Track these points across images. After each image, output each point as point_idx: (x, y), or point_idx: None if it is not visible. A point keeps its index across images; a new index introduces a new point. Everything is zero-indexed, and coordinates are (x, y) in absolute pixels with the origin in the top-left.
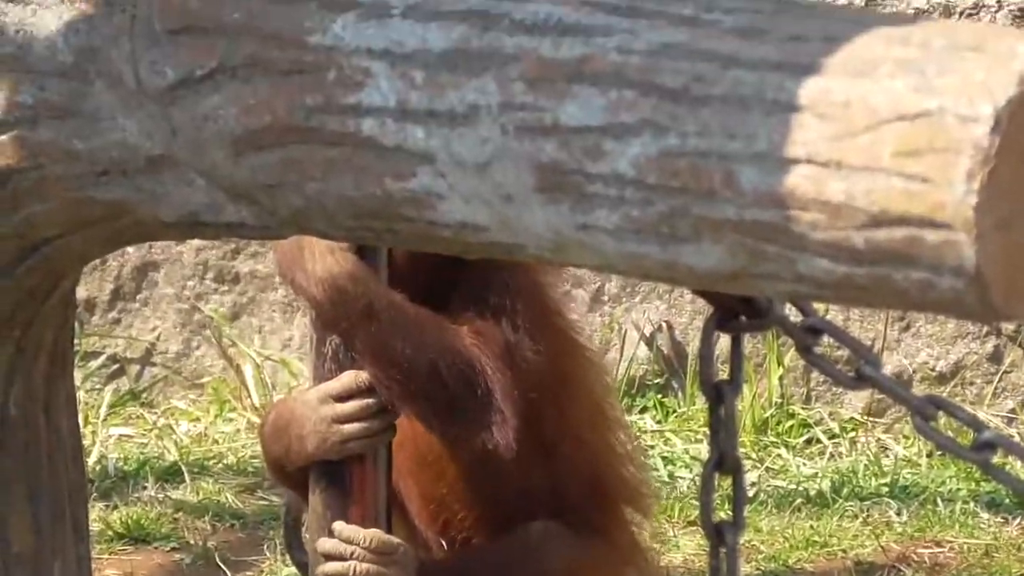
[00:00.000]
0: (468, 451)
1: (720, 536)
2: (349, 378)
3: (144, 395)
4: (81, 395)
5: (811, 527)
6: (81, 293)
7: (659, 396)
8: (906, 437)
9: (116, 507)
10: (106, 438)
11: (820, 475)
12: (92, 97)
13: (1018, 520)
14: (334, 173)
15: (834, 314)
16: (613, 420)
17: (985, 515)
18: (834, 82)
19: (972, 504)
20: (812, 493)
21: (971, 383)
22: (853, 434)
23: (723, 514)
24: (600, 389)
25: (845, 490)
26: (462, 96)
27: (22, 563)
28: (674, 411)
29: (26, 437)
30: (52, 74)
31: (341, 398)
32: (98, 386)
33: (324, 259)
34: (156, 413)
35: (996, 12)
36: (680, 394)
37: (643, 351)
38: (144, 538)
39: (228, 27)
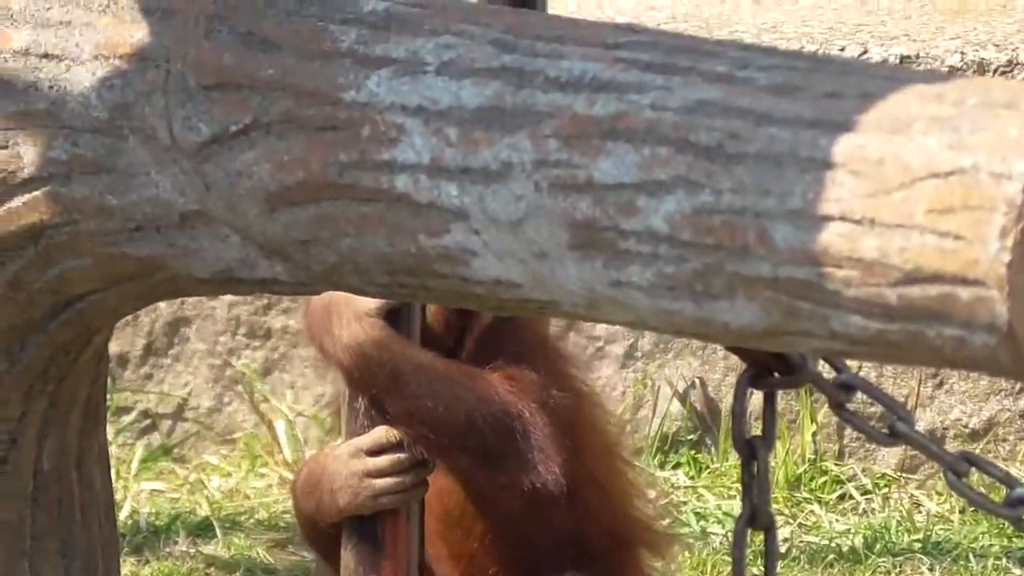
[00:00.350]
0: (515, 495)
1: None
2: (380, 432)
3: (176, 450)
4: (113, 450)
5: None
6: (113, 348)
7: (692, 452)
8: (939, 493)
9: (148, 562)
10: (138, 493)
11: (853, 531)
12: (126, 153)
13: None
14: (368, 229)
15: (867, 371)
16: (626, 464)
17: (1017, 571)
18: (868, 139)
19: (1005, 560)
20: (845, 549)
21: (1004, 440)
22: (886, 490)
23: (755, 570)
24: (611, 434)
25: (878, 546)
26: (496, 153)
27: None
28: (707, 467)
29: (59, 491)
30: (86, 130)
31: (373, 452)
32: (130, 441)
33: (351, 325)
34: (188, 468)
35: None
36: (713, 450)
37: (676, 407)
38: None
39: (262, 83)
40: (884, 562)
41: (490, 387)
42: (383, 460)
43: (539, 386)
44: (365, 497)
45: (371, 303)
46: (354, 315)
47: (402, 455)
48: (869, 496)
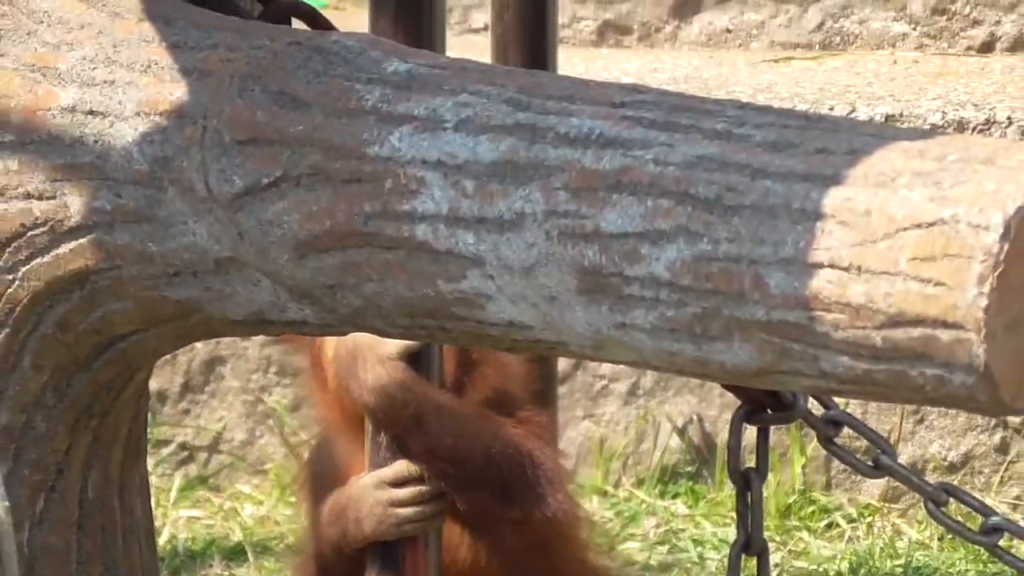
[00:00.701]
0: (531, 525)
1: None
2: (402, 465)
3: (211, 480)
4: (153, 480)
5: None
6: (153, 385)
7: (690, 483)
8: (919, 522)
9: None
10: (176, 519)
11: (839, 557)
12: (165, 203)
13: None
14: (390, 275)
15: (853, 407)
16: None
17: None
18: (856, 192)
19: None
20: (832, 574)
21: (980, 472)
22: (870, 519)
23: None
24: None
25: (862, 571)
26: (510, 204)
27: None
28: (704, 497)
29: (103, 519)
30: (128, 182)
31: (395, 484)
32: (169, 471)
33: (375, 369)
34: (222, 497)
35: (1006, 128)
36: (710, 481)
37: (675, 441)
38: None
39: (292, 139)
40: None
41: (504, 427)
42: (406, 492)
43: (549, 428)
44: (389, 524)
45: (393, 348)
46: (378, 359)
47: (423, 487)
48: (854, 524)
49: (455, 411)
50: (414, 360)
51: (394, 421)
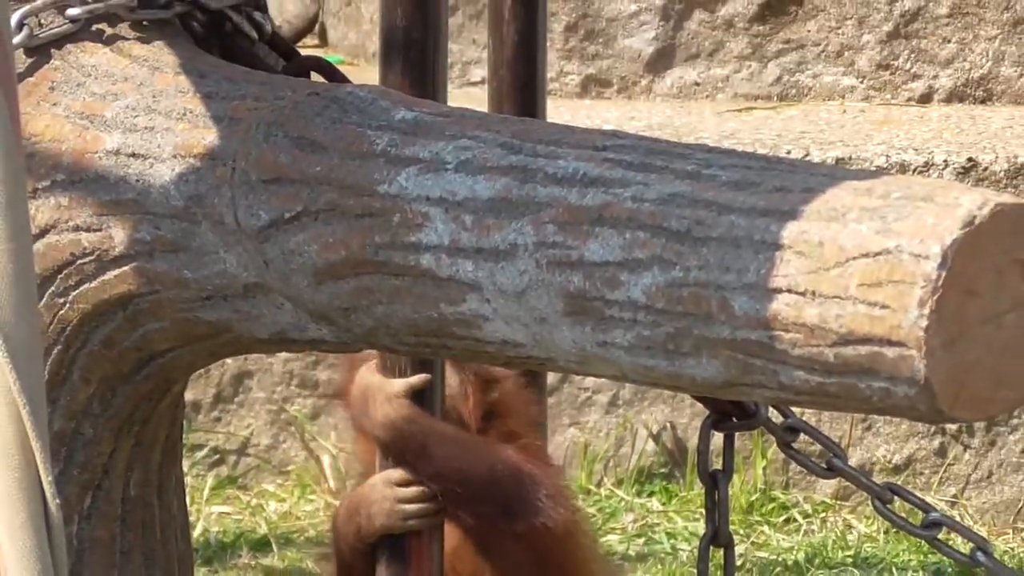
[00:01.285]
0: (534, 538)
1: None
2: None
3: (240, 480)
4: (188, 480)
5: None
6: (188, 396)
7: (664, 483)
8: (867, 517)
9: (217, 572)
10: (208, 515)
11: (796, 548)
12: (199, 235)
13: None
14: (398, 299)
15: (809, 416)
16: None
17: None
18: (811, 226)
19: (922, 573)
20: (790, 563)
21: (921, 473)
22: (824, 515)
23: None
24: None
25: (817, 560)
26: (504, 236)
27: None
28: (677, 495)
29: (143, 515)
30: (166, 216)
31: (402, 484)
32: (202, 472)
33: (384, 406)
34: (250, 495)
35: (943, 169)
36: (682, 481)
37: (651, 446)
38: None
39: (311, 178)
40: (822, 574)
41: (504, 450)
42: (411, 490)
43: (543, 452)
44: (396, 518)
45: (399, 387)
46: (385, 398)
47: (426, 488)
48: (810, 519)
49: (457, 438)
50: (418, 396)
51: (403, 451)
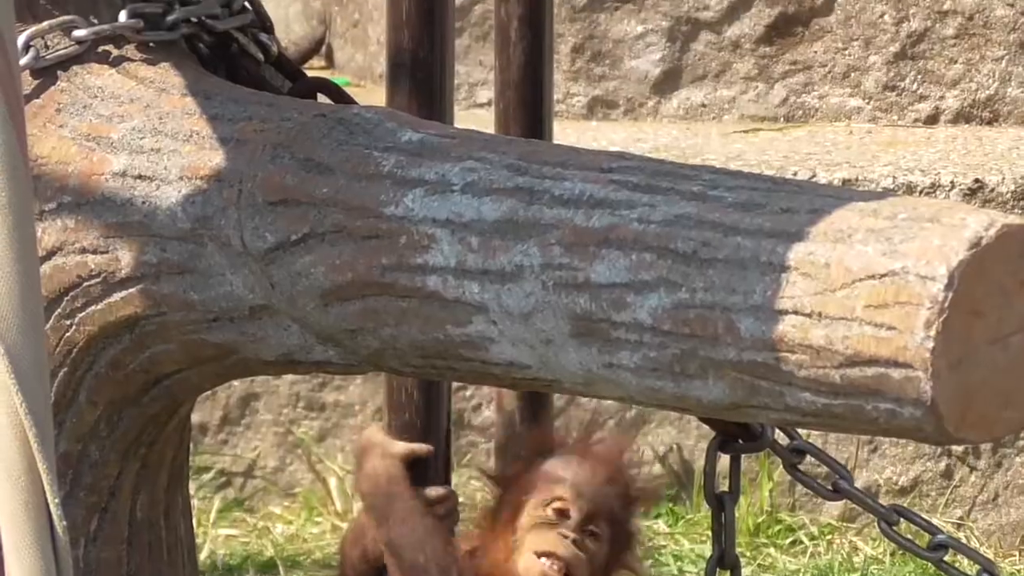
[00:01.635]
0: None
1: None
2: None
3: (247, 502)
4: (195, 502)
5: None
6: (195, 418)
7: (671, 505)
8: (873, 539)
9: None
10: (215, 537)
11: (802, 571)
12: (205, 257)
13: None
14: (405, 321)
15: (815, 438)
16: None
17: None
18: (817, 247)
19: None
20: None
21: (927, 495)
22: (830, 536)
23: None
24: None
25: None
26: (510, 258)
27: None
28: (683, 517)
29: (150, 536)
30: (173, 238)
31: None
32: (209, 495)
33: (376, 460)
34: (256, 517)
35: (949, 191)
36: (688, 503)
37: (657, 468)
38: None
39: (318, 200)
40: None
41: (442, 541)
42: None
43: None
44: None
45: (399, 448)
46: (382, 453)
47: (438, 508)
48: (816, 541)
49: (416, 520)
50: (415, 464)
51: (371, 506)
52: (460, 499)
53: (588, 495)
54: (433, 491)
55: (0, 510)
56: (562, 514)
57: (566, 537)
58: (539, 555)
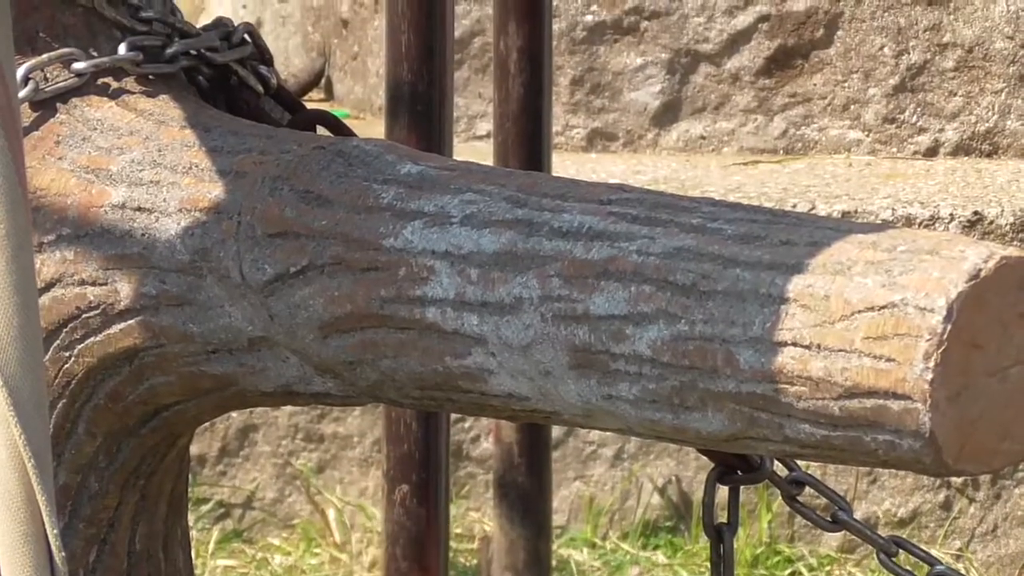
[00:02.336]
0: None
1: None
2: None
3: (245, 533)
4: (194, 533)
5: None
6: (194, 450)
7: (670, 536)
8: (872, 571)
9: None
10: (214, 568)
11: None
12: (204, 289)
13: None
14: (403, 352)
15: (814, 469)
16: None
17: None
18: (816, 279)
19: None
20: None
21: (926, 527)
22: (829, 568)
23: None
24: None
25: None
26: (509, 290)
27: None
28: (682, 548)
29: (149, 568)
30: (171, 270)
31: None
32: (208, 526)
33: None
34: (255, 548)
35: (948, 223)
36: (687, 534)
37: (656, 499)
38: None
39: (317, 232)
40: None
41: None
42: None
43: None
44: None
45: None
46: None
47: None
48: (815, 573)
49: None
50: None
51: None
52: (457, 530)
53: None
54: None
55: None
56: None
57: None
58: None
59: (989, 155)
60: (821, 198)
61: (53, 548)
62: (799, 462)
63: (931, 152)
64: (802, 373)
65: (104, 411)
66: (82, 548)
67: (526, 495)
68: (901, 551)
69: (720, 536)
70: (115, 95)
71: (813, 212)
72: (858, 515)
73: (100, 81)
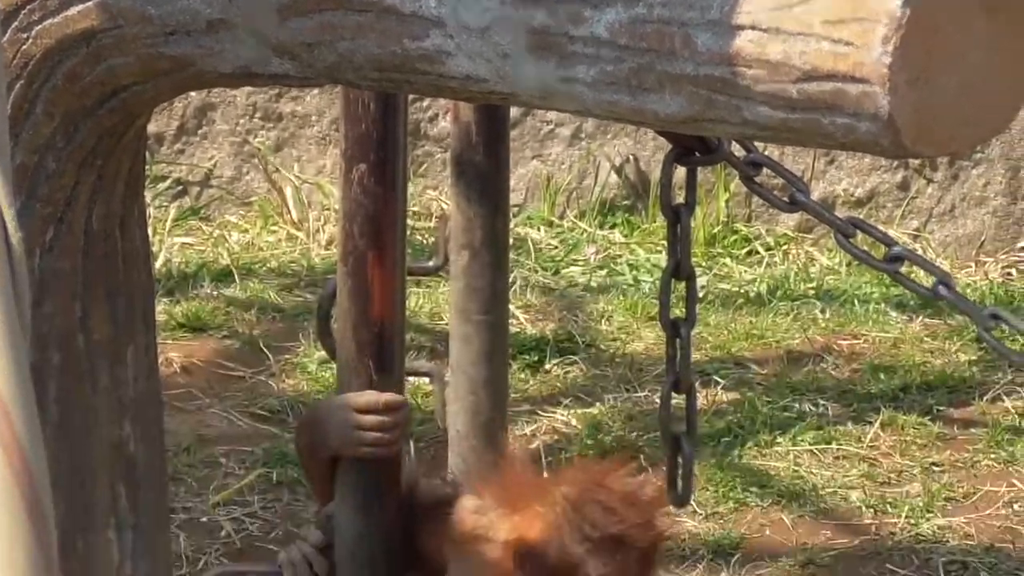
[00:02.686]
0: None
1: (676, 329)
2: (371, 396)
3: (203, 211)
4: (151, 211)
5: (750, 322)
6: (152, 128)
7: (627, 215)
8: (829, 250)
9: (178, 302)
10: (171, 246)
11: (758, 280)
12: None
13: (920, 318)
14: (361, 35)
15: (772, 151)
16: None
17: (894, 314)
18: None
19: (883, 305)
20: (752, 295)
21: (883, 207)
22: (786, 247)
23: (678, 311)
24: None
25: (779, 292)
26: None
27: (101, 348)
28: (639, 227)
29: (106, 247)
30: None
31: (362, 411)
32: (165, 204)
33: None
34: (212, 226)
35: None
36: (644, 213)
37: (613, 179)
38: (201, 327)
39: None
40: (784, 305)
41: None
42: (370, 419)
43: None
44: (350, 444)
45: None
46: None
47: (385, 418)
48: (772, 252)
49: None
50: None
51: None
52: (414, 208)
53: None
54: (388, 397)
55: None
56: None
57: None
58: None
59: None
60: None
61: (10, 228)
62: (757, 144)
63: None
64: (760, 56)
65: (62, 92)
66: (39, 227)
67: (483, 174)
68: (859, 231)
69: (677, 216)
70: None
71: None
72: (815, 195)
73: None
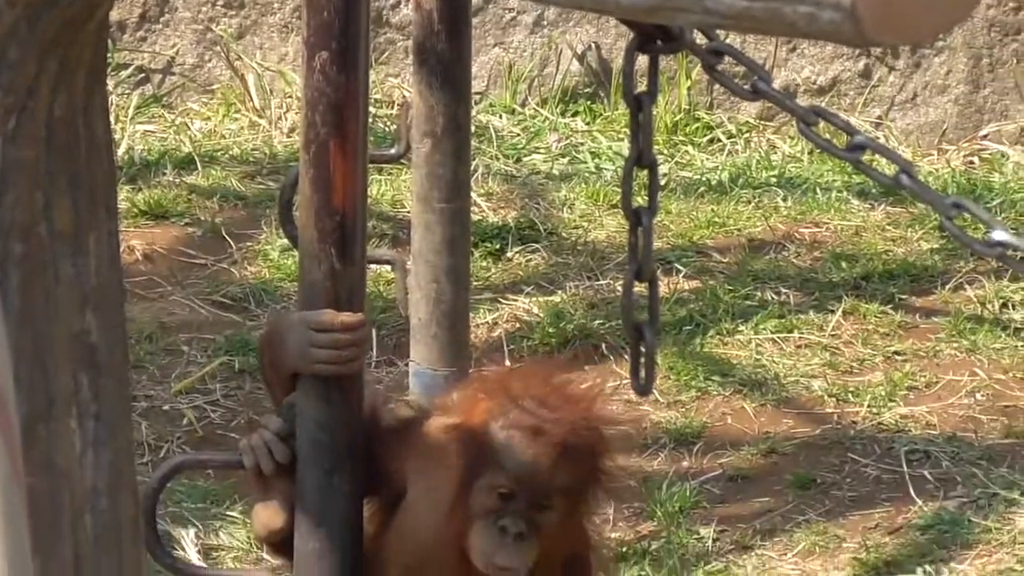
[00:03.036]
0: None
1: (637, 217)
2: (329, 315)
3: (165, 98)
4: (113, 99)
5: (712, 211)
6: (114, 16)
7: (589, 103)
8: (791, 138)
9: (141, 190)
10: (133, 133)
11: (720, 168)
12: None
13: (882, 207)
14: None
15: (733, 39)
16: None
17: (856, 202)
18: None
19: (845, 193)
20: (713, 183)
21: (845, 95)
22: (748, 135)
23: (640, 200)
24: None
25: (741, 180)
26: None
27: (64, 238)
28: (601, 115)
29: (67, 137)
30: None
31: (318, 329)
32: (127, 91)
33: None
34: (174, 113)
35: None
36: (606, 101)
37: (575, 66)
38: (163, 215)
39: None
40: (746, 193)
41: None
42: (325, 338)
43: None
44: (307, 361)
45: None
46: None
47: (340, 336)
48: (734, 140)
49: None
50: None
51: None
52: (376, 96)
53: (534, 480)
54: (346, 317)
55: None
56: (509, 498)
57: (510, 532)
58: (486, 565)
59: None
60: None
61: None
62: (719, 32)
63: None
64: None
65: None
66: (1, 117)
67: (445, 61)
68: (821, 120)
69: (639, 104)
70: None
71: None
72: (777, 84)
73: None
